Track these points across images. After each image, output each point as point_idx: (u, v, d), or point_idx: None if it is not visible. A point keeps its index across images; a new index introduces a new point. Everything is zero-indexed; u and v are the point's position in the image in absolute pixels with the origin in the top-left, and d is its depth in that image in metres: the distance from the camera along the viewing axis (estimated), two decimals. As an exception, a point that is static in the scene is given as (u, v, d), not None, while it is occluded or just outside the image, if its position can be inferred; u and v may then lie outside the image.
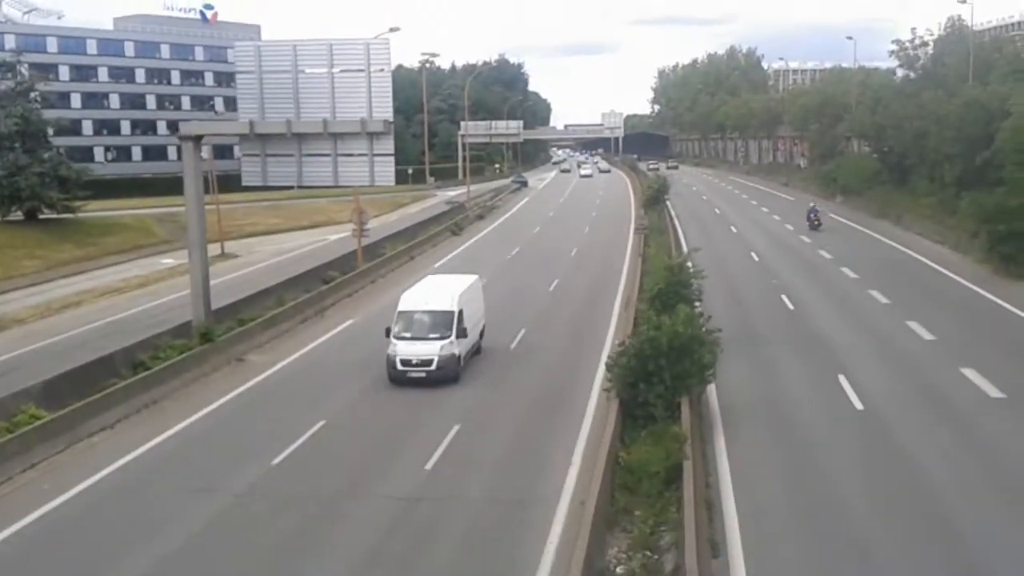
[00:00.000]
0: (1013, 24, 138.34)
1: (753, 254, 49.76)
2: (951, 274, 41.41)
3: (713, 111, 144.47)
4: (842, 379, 25.55)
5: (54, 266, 51.18)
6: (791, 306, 35.96)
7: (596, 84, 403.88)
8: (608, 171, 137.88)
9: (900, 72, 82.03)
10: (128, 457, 21.43)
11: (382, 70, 28.71)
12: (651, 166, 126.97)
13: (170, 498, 18.95)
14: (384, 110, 28.99)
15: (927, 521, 16.86)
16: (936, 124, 52.28)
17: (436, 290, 27.82)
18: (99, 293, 44.36)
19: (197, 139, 30.49)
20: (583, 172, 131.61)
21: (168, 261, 54.18)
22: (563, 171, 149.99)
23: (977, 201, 42.02)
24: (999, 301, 35.38)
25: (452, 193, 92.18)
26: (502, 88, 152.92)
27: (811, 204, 61.99)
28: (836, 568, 15.42)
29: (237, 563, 16.07)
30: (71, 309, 40.59)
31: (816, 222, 57.94)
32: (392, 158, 29.99)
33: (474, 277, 30.07)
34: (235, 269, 49.88)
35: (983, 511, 17.15)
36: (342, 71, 28.94)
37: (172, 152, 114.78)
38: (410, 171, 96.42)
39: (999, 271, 39.33)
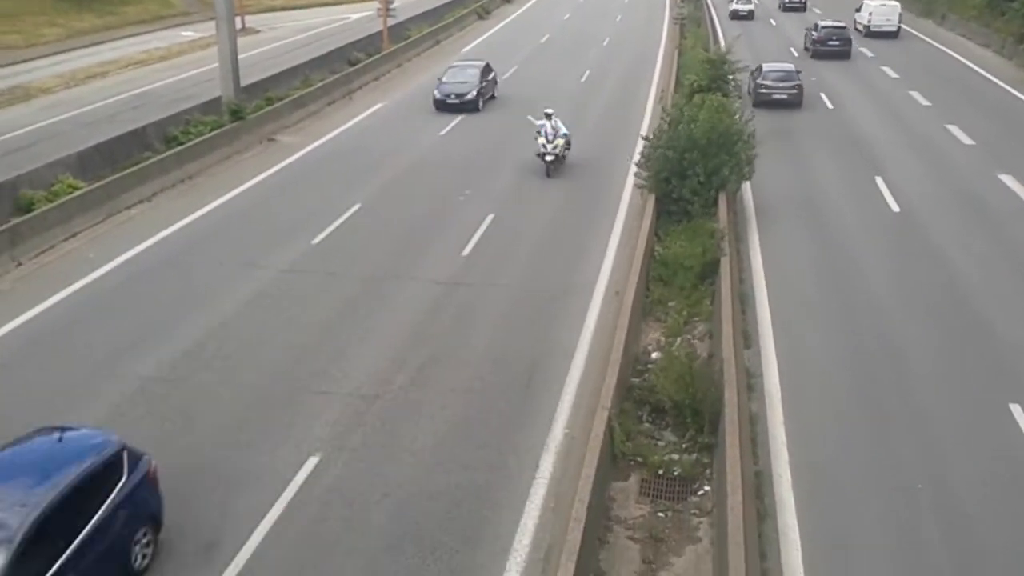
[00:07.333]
0: None
1: (792, 49, 48.08)
2: (995, 79, 40.04)
3: None
4: (879, 181, 25.34)
5: (75, 35, 50.11)
6: (830, 105, 35.13)
7: None
8: None
9: None
10: (169, 230, 21.81)
11: None
12: None
13: (216, 271, 19.39)
14: None
15: (958, 320, 17.10)
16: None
17: None
18: (123, 64, 43.67)
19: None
20: None
21: (188, 34, 52.94)
22: None
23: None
24: (1043, 109, 34.48)
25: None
26: None
27: None
28: (865, 360, 15.78)
29: (286, 332, 16.59)
30: (96, 80, 40.11)
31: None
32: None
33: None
34: (258, 45, 48.70)
35: (1015, 313, 17.40)
36: None
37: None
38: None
39: (1046, 77, 38.05)
